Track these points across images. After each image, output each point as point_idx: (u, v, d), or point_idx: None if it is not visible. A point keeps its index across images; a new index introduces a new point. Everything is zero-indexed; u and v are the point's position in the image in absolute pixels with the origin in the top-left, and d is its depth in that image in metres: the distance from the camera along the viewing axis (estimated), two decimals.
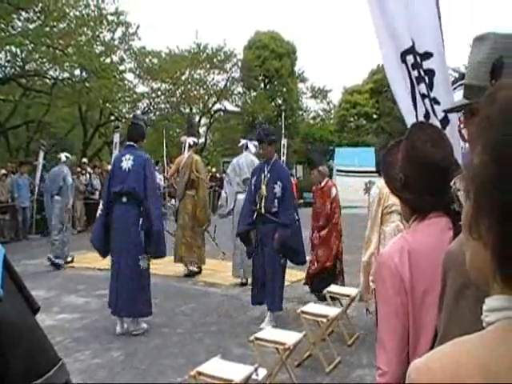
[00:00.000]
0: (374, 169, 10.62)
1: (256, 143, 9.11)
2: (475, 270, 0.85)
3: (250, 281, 8.23)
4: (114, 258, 6.90)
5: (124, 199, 6.73)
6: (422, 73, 2.82)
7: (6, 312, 0.91)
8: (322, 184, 8.05)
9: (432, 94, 2.81)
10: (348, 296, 6.78)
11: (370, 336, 6.63)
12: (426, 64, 2.80)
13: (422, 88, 2.84)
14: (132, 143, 7.05)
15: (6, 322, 0.89)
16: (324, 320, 5.85)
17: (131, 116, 14.71)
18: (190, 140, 10.65)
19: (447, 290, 1.34)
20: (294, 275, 10.04)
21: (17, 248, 13.48)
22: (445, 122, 2.73)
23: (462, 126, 1.66)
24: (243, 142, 10.26)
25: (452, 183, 1.15)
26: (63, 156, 12.01)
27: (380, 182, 6.54)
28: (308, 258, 7.84)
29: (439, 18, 2.79)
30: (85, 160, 20.14)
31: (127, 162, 6.77)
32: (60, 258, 11.08)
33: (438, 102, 2.79)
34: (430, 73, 2.79)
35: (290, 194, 7.47)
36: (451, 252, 1.36)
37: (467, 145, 1.71)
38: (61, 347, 6.06)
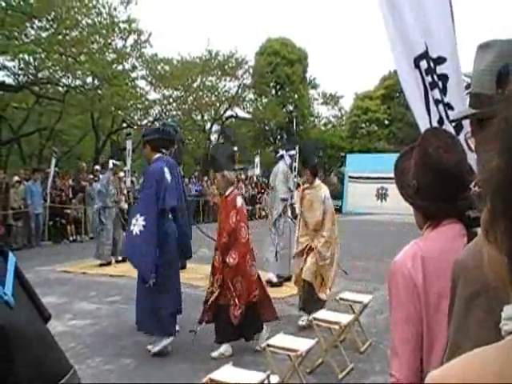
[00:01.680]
0: (385, 175, 10.77)
1: (292, 153, 10.45)
2: (493, 273, 0.84)
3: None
4: None
5: None
6: (436, 78, 2.80)
7: (16, 320, 0.91)
8: (227, 193, 6.54)
9: (446, 100, 2.79)
10: (361, 303, 6.73)
11: (382, 343, 6.60)
12: (440, 69, 2.78)
13: (436, 93, 2.82)
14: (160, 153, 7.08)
15: (14, 330, 0.89)
16: (336, 327, 5.83)
17: (161, 123, 14.85)
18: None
19: (457, 300, 1.32)
20: None
21: (29, 254, 13.53)
22: (458, 127, 2.71)
23: (468, 135, 1.64)
24: (281, 152, 10.75)
25: (472, 185, 1.14)
26: (111, 163, 12.59)
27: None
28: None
29: (453, 22, 2.77)
30: (97, 167, 20.20)
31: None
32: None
33: (451, 108, 2.77)
34: (444, 78, 2.77)
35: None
36: (460, 261, 1.34)
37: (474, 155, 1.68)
38: (72, 353, 6.07)
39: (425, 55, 2.83)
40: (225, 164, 6.67)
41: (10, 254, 1.02)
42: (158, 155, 6.82)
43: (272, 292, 9.17)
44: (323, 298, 7.43)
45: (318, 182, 7.90)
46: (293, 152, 10.40)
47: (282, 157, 10.36)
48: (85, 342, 6.71)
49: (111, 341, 6.80)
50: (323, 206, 7.55)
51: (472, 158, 2.17)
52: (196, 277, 10.20)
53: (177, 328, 7.01)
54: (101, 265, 11.63)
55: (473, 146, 1.64)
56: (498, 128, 0.79)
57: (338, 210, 30.13)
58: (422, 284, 1.83)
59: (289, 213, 10.89)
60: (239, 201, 6.54)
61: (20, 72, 23.54)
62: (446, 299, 1.46)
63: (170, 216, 6.63)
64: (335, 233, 7.72)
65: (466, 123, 2.68)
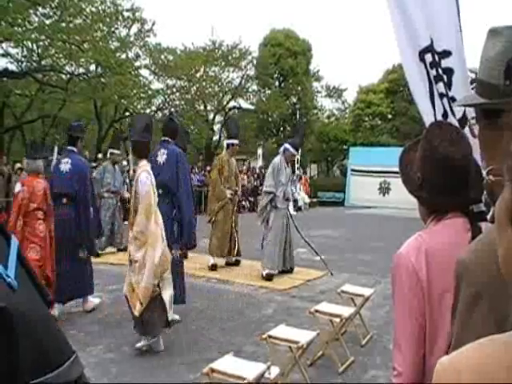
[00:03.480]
0: (388, 169, 10.63)
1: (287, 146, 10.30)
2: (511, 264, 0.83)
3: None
4: None
5: (160, 191, 6.87)
6: (441, 71, 2.79)
7: (19, 302, 0.91)
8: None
9: (450, 93, 2.78)
10: (362, 296, 6.74)
11: (383, 336, 6.62)
12: (445, 63, 2.77)
13: (441, 87, 2.81)
14: (166, 138, 7.43)
15: (18, 313, 0.89)
16: (337, 319, 5.83)
17: (167, 113, 14.99)
18: None
19: (460, 299, 1.32)
20: (309, 274, 10.07)
21: None
22: (463, 121, 2.70)
23: (473, 121, 1.63)
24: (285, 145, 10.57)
25: (484, 173, 1.13)
26: (109, 152, 12.78)
27: (147, 166, 6.01)
28: None
29: (459, 15, 2.76)
30: (100, 155, 20.19)
31: (161, 157, 7.17)
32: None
33: (456, 101, 2.76)
34: (449, 71, 2.76)
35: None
36: (463, 261, 1.34)
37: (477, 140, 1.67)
38: (73, 341, 6.00)
39: (430, 48, 2.82)
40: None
41: (13, 238, 1.02)
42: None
43: (274, 284, 9.24)
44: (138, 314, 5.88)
45: (143, 162, 6.20)
46: (288, 146, 10.25)
47: (285, 150, 10.22)
48: (86, 330, 6.73)
49: (112, 329, 6.82)
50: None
51: (477, 150, 2.17)
52: (196, 267, 10.23)
53: (178, 317, 7.06)
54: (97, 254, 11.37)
55: (476, 132, 1.63)
56: None
57: (341, 203, 30.25)
58: (425, 277, 1.83)
59: (289, 207, 10.88)
60: (18, 187, 6.90)
61: (23, 59, 23.53)
62: (449, 293, 1.46)
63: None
64: (152, 229, 5.91)
65: (471, 116, 2.68)
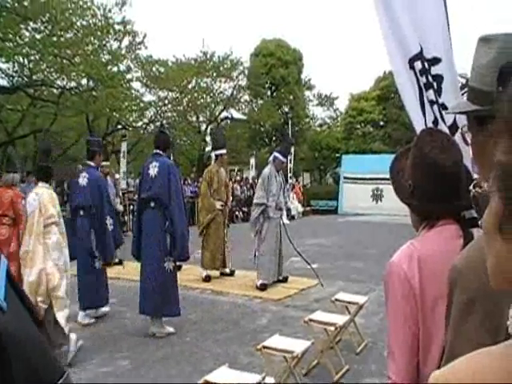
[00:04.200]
0: (381, 176, 10.60)
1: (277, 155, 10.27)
2: (501, 274, 0.82)
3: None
4: (142, 261, 7.21)
5: (152, 204, 7.10)
6: (431, 78, 2.80)
7: (9, 324, 0.90)
8: None
9: (440, 100, 2.79)
10: (356, 304, 6.73)
11: (378, 344, 6.61)
12: (435, 70, 2.78)
13: (431, 94, 2.82)
14: (158, 151, 7.43)
15: (7, 334, 0.88)
16: (332, 328, 5.82)
17: (160, 125, 14.98)
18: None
19: (453, 306, 1.31)
20: (302, 283, 10.05)
21: None
22: (453, 128, 2.70)
23: (465, 128, 1.62)
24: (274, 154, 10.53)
25: (471, 186, 1.13)
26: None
27: (40, 189, 6.20)
28: None
29: (447, 22, 2.77)
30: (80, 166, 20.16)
31: (153, 170, 7.16)
32: None
33: (446, 108, 2.76)
34: (439, 78, 2.77)
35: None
36: (456, 268, 1.33)
37: (470, 148, 1.67)
38: (67, 357, 6.05)
39: (419, 56, 2.83)
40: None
41: (2, 257, 1.01)
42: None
43: (268, 293, 9.22)
44: None
45: (40, 184, 6.43)
46: (277, 154, 10.23)
47: (275, 159, 10.19)
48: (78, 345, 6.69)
49: (107, 343, 6.79)
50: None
51: (468, 157, 2.16)
52: (190, 278, 10.20)
53: (172, 330, 7.05)
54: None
55: (469, 140, 1.62)
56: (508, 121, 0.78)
57: (334, 210, 30.26)
58: (418, 285, 1.82)
59: (283, 216, 10.87)
60: None
61: (14, 74, 23.48)
62: (442, 300, 1.45)
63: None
64: (33, 248, 5.99)
65: (461, 123, 2.68)
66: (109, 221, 7.88)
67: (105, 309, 8.01)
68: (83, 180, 7.88)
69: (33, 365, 0.94)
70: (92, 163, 8.16)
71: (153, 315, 7.16)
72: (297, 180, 33.77)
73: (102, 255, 7.82)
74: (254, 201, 10.08)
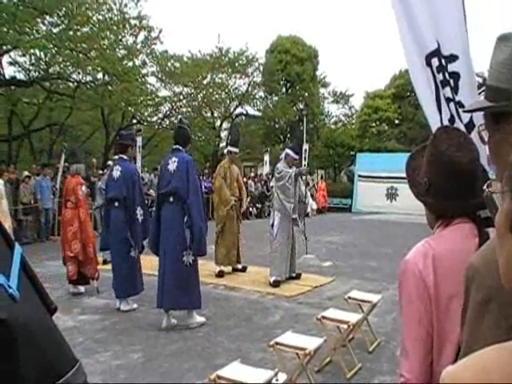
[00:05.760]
0: (395, 174, 10.51)
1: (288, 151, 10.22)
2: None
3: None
4: (161, 255, 7.26)
5: (171, 199, 7.20)
6: (447, 76, 2.78)
7: (21, 313, 0.90)
8: None
9: (457, 98, 2.77)
10: (369, 302, 6.72)
11: (391, 343, 6.59)
12: (452, 67, 2.76)
13: (447, 91, 2.80)
14: (178, 146, 7.50)
15: (20, 324, 0.88)
16: (345, 326, 5.81)
17: (178, 120, 15.05)
18: None
19: (469, 304, 1.31)
20: (316, 280, 10.04)
21: (39, 249, 13.59)
22: (470, 126, 2.69)
23: (482, 127, 1.61)
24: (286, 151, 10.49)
25: (485, 186, 1.13)
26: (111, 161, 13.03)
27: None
28: None
29: (465, 20, 2.75)
30: (110, 162, 20.23)
31: (173, 165, 7.25)
32: None
33: (462, 106, 2.74)
34: (455, 76, 2.75)
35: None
36: (472, 265, 1.32)
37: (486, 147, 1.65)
38: (81, 348, 6.09)
39: (436, 53, 2.81)
40: None
41: (17, 245, 1.01)
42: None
43: (281, 290, 9.22)
44: None
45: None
46: (289, 151, 10.18)
47: (286, 155, 10.14)
48: (93, 337, 6.73)
49: (120, 336, 6.82)
50: None
51: (484, 156, 2.15)
52: (203, 273, 10.21)
53: (203, 319, 7.19)
54: (104, 262, 11.34)
55: (486, 139, 1.62)
56: None
57: (348, 208, 30.20)
58: (432, 283, 1.81)
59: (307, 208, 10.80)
60: None
61: (31, 67, 23.58)
62: (456, 299, 1.45)
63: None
64: None
65: (478, 121, 2.67)
66: (139, 211, 8.12)
67: (133, 305, 8.11)
68: (116, 173, 8.24)
69: (45, 355, 0.94)
70: (125, 156, 8.48)
71: (171, 309, 7.20)
72: (322, 176, 34.05)
73: (136, 245, 8.08)
74: (275, 205, 10.02)
